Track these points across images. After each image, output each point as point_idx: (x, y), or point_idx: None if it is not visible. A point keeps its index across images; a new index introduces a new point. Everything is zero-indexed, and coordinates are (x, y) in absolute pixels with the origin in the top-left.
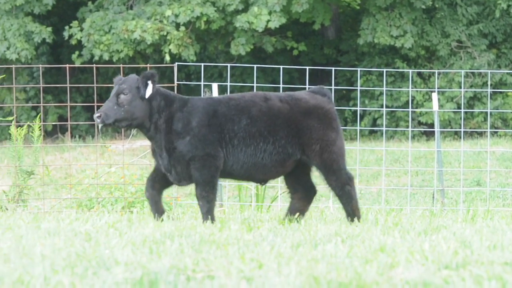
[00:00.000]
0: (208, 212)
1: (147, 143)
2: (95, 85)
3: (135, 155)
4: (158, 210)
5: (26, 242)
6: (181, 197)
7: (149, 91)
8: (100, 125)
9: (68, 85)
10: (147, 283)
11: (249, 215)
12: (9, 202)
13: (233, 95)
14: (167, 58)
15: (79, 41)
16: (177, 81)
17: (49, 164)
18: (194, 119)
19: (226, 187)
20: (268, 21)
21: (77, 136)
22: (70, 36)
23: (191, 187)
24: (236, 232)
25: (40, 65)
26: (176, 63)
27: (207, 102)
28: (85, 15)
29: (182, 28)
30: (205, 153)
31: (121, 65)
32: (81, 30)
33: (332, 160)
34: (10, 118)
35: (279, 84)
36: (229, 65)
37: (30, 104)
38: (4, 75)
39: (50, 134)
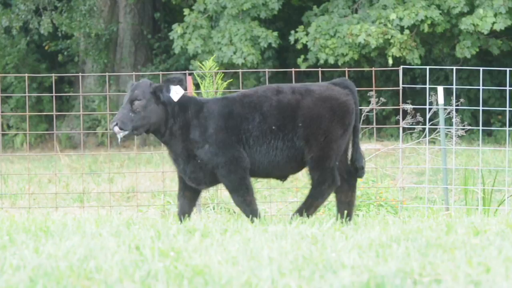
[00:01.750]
0: (253, 215)
1: (372, 146)
2: None
3: None
4: (183, 213)
5: (253, 245)
6: (406, 200)
7: (176, 95)
8: (120, 136)
9: None
10: (374, 287)
11: (475, 218)
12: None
13: (248, 91)
14: (390, 61)
15: (305, 45)
16: (402, 84)
17: None
18: (211, 125)
19: (452, 190)
20: (493, 23)
21: None
22: (296, 41)
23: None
24: (463, 236)
25: (267, 70)
26: (401, 67)
27: (222, 103)
28: (310, 19)
29: (406, 32)
30: (227, 159)
31: (346, 69)
32: (307, 34)
33: (327, 156)
34: None
35: (505, 86)
36: (454, 68)
37: None
38: (231, 79)
39: None
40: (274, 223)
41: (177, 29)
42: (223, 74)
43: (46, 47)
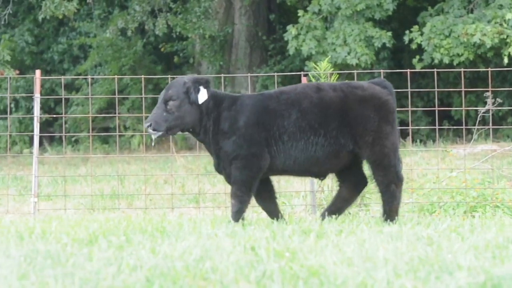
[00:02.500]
0: (237, 213)
1: (488, 147)
2: (436, 89)
3: (476, 160)
4: (272, 215)
5: (369, 246)
6: None
7: (202, 97)
8: (154, 137)
9: (409, 89)
10: None
11: None
12: (352, 207)
13: (286, 88)
14: (505, 61)
15: (419, 45)
16: None
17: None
18: (242, 118)
19: None
20: None
21: (418, 140)
22: (410, 41)
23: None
24: None
25: (381, 70)
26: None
27: (257, 98)
28: (425, 20)
29: None
30: (249, 153)
31: (461, 69)
32: (421, 34)
33: (383, 154)
34: None
35: None
36: None
37: None
38: (346, 80)
39: None
40: (390, 225)
41: (291, 30)
42: (338, 75)
43: (162, 49)
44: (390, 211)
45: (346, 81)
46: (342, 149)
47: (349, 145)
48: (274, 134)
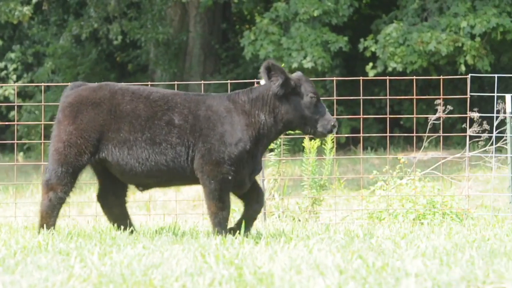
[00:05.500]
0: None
1: (438, 155)
2: (388, 97)
3: (426, 167)
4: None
5: (317, 253)
6: (472, 208)
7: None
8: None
9: (361, 97)
10: None
11: None
12: (302, 213)
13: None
14: (462, 68)
15: (373, 53)
16: (470, 92)
17: (340, 176)
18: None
19: None
20: None
21: (369, 147)
22: (365, 49)
23: (482, 199)
24: None
25: (334, 78)
26: (470, 75)
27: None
28: (380, 27)
29: (478, 39)
30: None
31: (413, 77)
32: (376, 42)
33: None
34: None
35: None
36: None
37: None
38: None
39: (342, 146)
40: (339, 232)
41: (249, 35)
42: None
43: (118, 58)
44: None
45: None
46: None
47: None
48: None
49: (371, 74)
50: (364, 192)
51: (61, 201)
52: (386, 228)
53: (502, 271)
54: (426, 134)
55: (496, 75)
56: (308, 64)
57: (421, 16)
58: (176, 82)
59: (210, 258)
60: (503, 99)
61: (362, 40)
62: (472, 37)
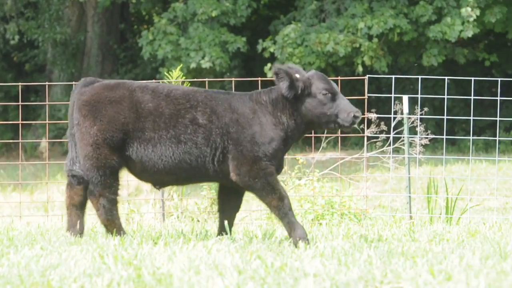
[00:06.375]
0: None
1: (336, 155)
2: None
3: (325, 167)
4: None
5: (216, 253)
6: (370, 209)
7: None
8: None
9: None
10: None
11: (438, 227)
12: (201, 214)
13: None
14: (360, 69)
15: (272, 54)
16: (368, 93)
17: None
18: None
19: (416, 199)
20: (461, 31)
21: None
22: (264, 49)
23: (380, 199)
24: (425, 244)
25: (233, 79)
26: (367, 76)
27: None
28: (278, 28)
29: (375, 40)
30: None
31: None
32: (274, 43)
33: None
34: None
35: (470, 96)
36: (420, 77)
37: None
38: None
39: None
40: (237, 232)
41: (147, 35)
42: (189, 84)
43: (15, 59)
44: None
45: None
46: None
47: None
48: None
49: (270, 75)
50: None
51: (114, 202)
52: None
53: (400, 271)
54: (324, 135)
55: (393, 76)
56: (206, 64)
57: (319, 17)
58: (74, 82)
59: (108, 259)
60: (400, 100)
61: (260, 41)
62: (370, 38)
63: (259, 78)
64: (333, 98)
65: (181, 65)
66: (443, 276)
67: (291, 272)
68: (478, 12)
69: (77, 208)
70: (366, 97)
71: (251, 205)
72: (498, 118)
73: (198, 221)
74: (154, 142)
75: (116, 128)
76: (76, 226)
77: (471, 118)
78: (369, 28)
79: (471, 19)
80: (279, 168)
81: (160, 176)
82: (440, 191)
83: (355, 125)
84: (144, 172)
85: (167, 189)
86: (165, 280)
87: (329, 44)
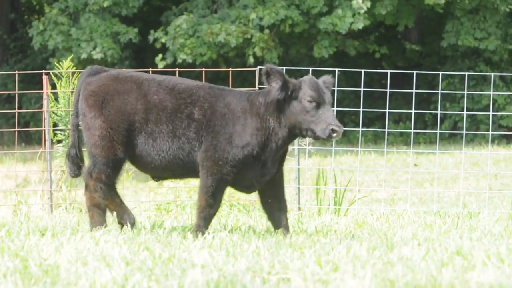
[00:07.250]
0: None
1: None
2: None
3: None
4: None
5: (104, 245)
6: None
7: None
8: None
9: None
10: (223, 285)
11: (326, 218)
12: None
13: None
14: (251, 60)
15: (163, 45)
16: (259, 84)
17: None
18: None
19: (304, 190)
20: (352, 23)
21: None
22: (155, 40)
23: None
24: (313, 235)
25: (124, 69)
26: (258, 67)
27: None
28: (169, 19)
29: (266, 31)
30: None
31: (203, 69)
32: (166, 33)
33: None
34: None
35: (360, 87)
36: (310, 69)
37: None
38: None
39: None
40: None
41: (38, 25)
42: (79, 74)
43: None
44: None
45: None
46: None
47: None
48: None
49: (161, 65)
50: (152, 183)
51: (111, 186)
52: (174, 219)
53: (287, 262)
54: None
55: (284, 68)
56: (97, 55)
57: (211, 8)
58: None
59: None
60: None
61: (152, 31)
62: (261, 29)
63: (150, 69)
64: (318, 106)
65: (72, 55)
66: (330, 267)
67: (179, 263)
68: (369, 4)
69: (99, 208)
70: (257, 88)
71: (140, 196)
72: (387, 110)
73: (86, 212)
74: (154, 137)
75: (123, 119)
76: (102, 225)
77: (361, 109)
78: (261, 19)
79: (362, 11)
80: (266, 174)
81: (157, 172)
82: (329, 182)
83: (333, 139)
84: (142, 166)
85: (55, 180)
86: (52, 272)
87: (220, 35)
